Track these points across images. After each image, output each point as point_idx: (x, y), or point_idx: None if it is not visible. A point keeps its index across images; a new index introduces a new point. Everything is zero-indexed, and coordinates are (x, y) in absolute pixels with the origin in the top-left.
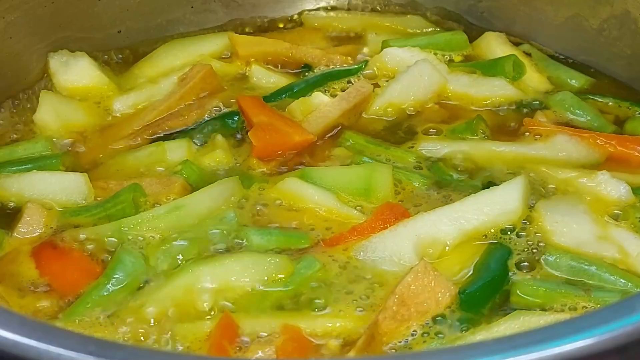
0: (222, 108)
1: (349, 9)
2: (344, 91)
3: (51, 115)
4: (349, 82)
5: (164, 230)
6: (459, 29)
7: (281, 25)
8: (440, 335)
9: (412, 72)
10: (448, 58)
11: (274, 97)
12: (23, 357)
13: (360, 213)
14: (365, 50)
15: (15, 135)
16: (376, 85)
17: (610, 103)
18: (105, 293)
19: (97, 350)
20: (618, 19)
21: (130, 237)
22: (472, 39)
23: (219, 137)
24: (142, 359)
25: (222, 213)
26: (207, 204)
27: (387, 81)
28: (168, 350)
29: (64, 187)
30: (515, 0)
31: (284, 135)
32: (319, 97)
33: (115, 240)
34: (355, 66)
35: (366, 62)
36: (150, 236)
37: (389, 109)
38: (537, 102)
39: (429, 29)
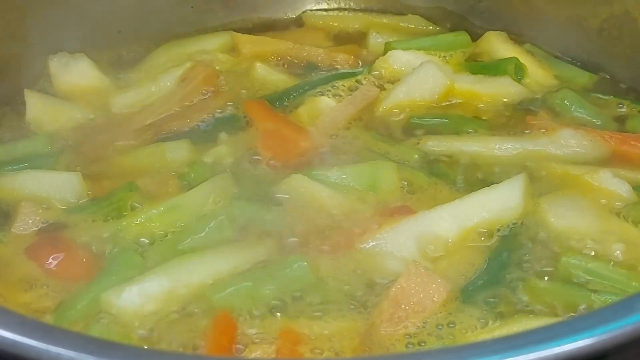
0: (224, 109)
1: (349, 9)
2: (351, 90)
3: (42, 114)
4: (357, 81)
5: (159, 228)
6: (459, 28)
7: (282, 26)
8: (440, 335)
9: (417, 74)
10: (451, 57)
11: (278, 99)
12: (23, 357)
13: (365, 210)
14: (367, 49)
15: (16, 136)
16: (382, 88)
17: (611, 101)
18: (101, 290)
19: (97, 350)
20: (618, 19)
21: (125, 236)
22: (472, 39)
23: (223, 135)
24: (142, 359)
25: (219, 209)
26: (201, 201)
27: (392, 83)
28: (168, 350)
29: (58, 186)
30: (515, 0)
31: (290, 142)
32: (325, 102)
33: (111, 238)
34: (360, 69)
35: (370, 65)
36: (146, 234)
37: (395, 110)
38: (540, 100)
39: (430, 27)
